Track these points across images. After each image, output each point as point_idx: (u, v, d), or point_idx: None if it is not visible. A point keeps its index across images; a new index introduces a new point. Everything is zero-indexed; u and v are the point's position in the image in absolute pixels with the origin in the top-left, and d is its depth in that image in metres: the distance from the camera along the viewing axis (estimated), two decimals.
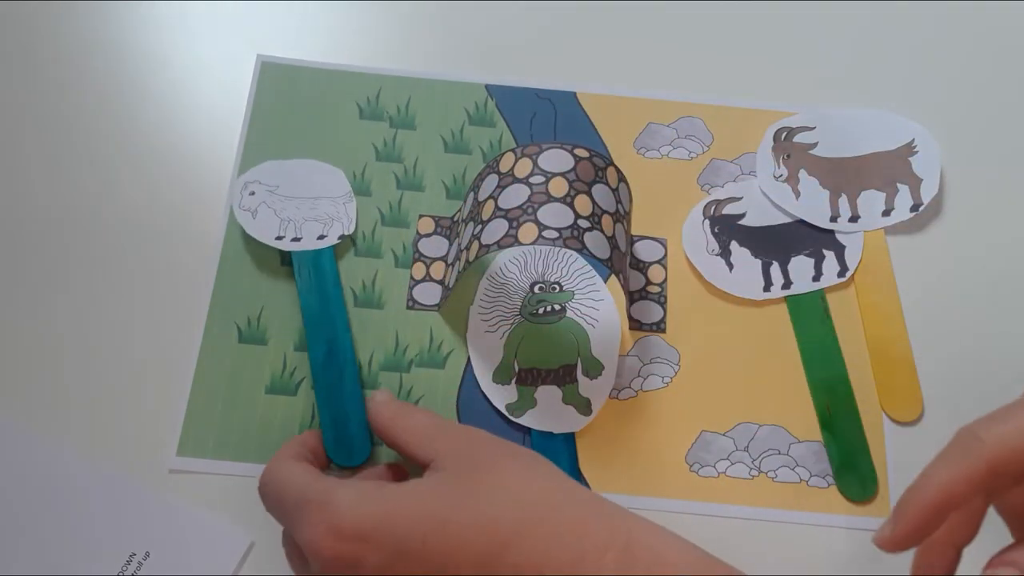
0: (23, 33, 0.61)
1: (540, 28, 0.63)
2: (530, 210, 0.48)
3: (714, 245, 0.55)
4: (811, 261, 0.55)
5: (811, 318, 0.53)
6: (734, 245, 0.55)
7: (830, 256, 0.55)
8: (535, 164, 0.50)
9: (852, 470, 0.50)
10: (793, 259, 0.55)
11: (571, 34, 0.63)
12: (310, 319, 0.52)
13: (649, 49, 0.62)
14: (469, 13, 0.63)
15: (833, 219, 0.56)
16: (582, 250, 0.48)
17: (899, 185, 0.57)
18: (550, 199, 0.48)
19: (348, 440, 0.50)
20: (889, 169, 0.58)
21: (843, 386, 0.52)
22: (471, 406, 0.52)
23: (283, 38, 0.61)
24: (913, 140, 0.58)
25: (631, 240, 0.54)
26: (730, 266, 0.55)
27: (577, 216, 0.48)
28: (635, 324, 0.54)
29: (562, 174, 0.49)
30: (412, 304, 0.54)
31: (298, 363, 0.52)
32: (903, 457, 0.51)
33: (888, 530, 0.39)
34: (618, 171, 0.51)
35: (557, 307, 0.54)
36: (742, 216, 0.56)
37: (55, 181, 0.56)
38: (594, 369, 0.52)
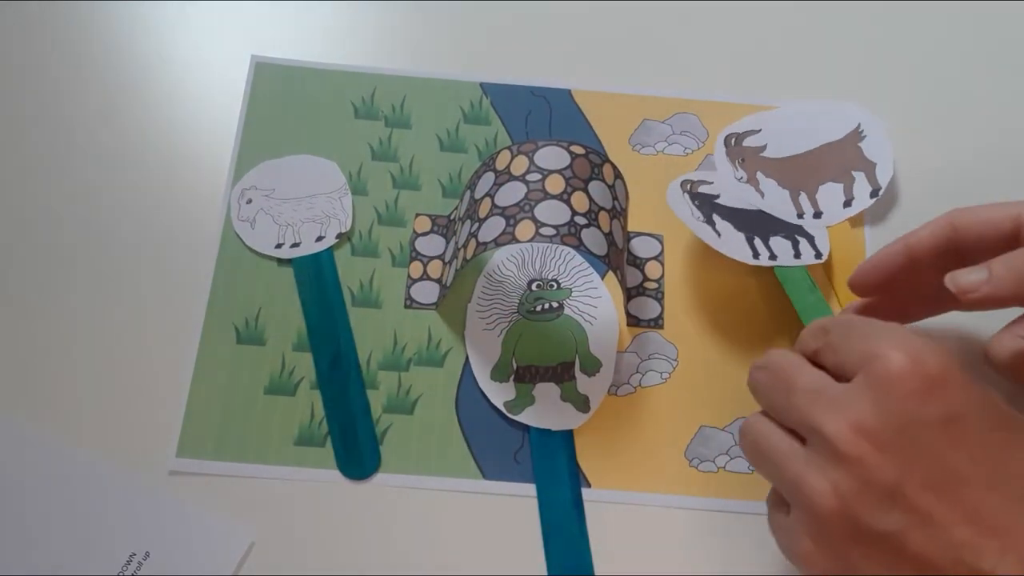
0: (17, 34, 0.60)
1: (534, 26, 0.63)
2: (527, 207, 0.48)
3: (698, 214, 0.54)
4: (788, 242, 0.54)
5: (800, 289, 0.52)
6: (716, 218, 0.54)
7: (803, 241, 0.55)
8: (531, 161, 0.50)
9: None
10: (772, 238, 0.54)
11: (565, 32, 0.63)
12: (313, 328, 0.53)
13: (644, 46, 0.62)
14: (463, 12, 0.63)
15: (799, 216, 0.56)
16: (579, 247, 0.48)
17: (854, 173, 0.57)
18: (547, 196, 0.48)
19: (358, 451, 0.50)
20: (841, 158, 0.57)
21: None
22: (470, 404, 0.52)
23: (277, 38, 0.61)
24: (859, 125, 0.58)
25: (628, 236, 0.54)
26: (717, 233, 0.54)
27: (574, 213, 0.48)
28: (633, 320, 0.54)
29: (558, 171, 0.49)
30: (410, 303, 0.54)
31: (297, 363, 0.52)
32: None
33: (856, 272, 0.48)
34: (614, 168, 0.52)
35: (555, 304, 0.54)
36: (717, 196, 0.55)
37: (53, 181, 0.56)
38: (592, 366, 0.52)
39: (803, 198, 0.56)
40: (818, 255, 0.54)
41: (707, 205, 0.55)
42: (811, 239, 0.55)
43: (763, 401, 0.42)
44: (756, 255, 0.53)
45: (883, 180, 0.57)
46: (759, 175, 0.57)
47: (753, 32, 0.63)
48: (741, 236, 0.54)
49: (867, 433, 0.36)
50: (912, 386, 0.36)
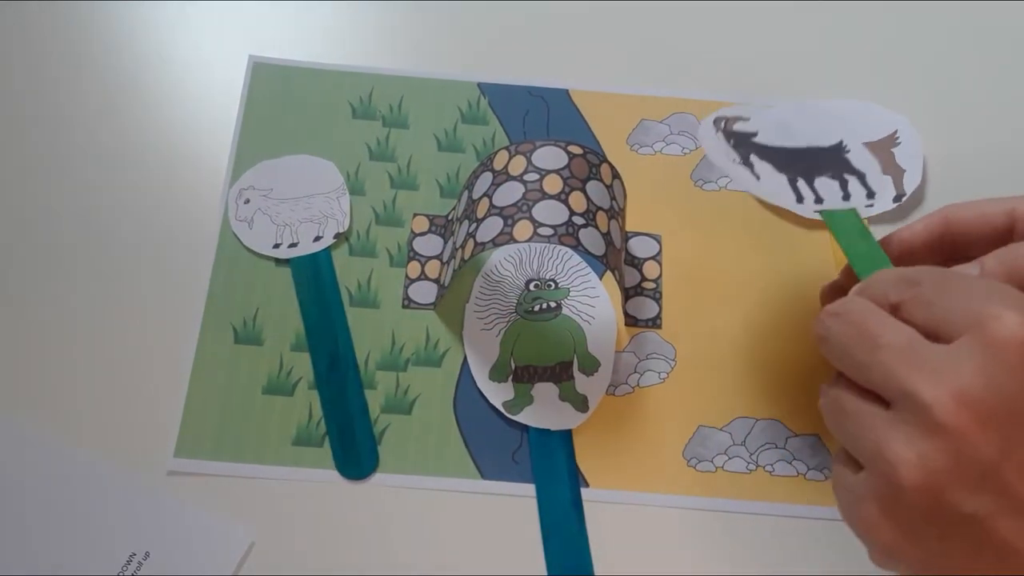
0: (16, 34, 0.60)
1: (532, 26, 0.63)
2: (525, 207, 0.48)
3: (734, 155, 0.50)
4: (835, 183, 0.50)
5: (852, 233, 0.46)
6: (754, 159, 0.50)
7: (853, 181, 0.51)
8: (529, 162, 0.50)
9: None
10: (817, 179, 0.50)
11: (563, 32, 0.63)
12: (311, 329, 0.53)
13: (641, 46, 0.62)
14: (461, 11, 0.63)
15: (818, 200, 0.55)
16: (577, 247, 0.48)
17: (883, 176, 0.57)
18: (544, 196, 0.48)
19: (355, 451, 0.50)
20: (874, 159, 0.58)
21: None
22: (468, 404, 0.52)
23: (275, 38, 0.61)
24: (896, 131, 0.59)
25: (626, 236, 0.54)
26: (756, 176, 0.50)
27: (572, 213, 0.48)
28: (631, 320, 0.54)
29: (556, 171, 0.49)
30: (408, 303, 0.54)
31: (295, 363, 0.52)
32: None
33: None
34: (612, 168, 0.52)
35: (553, 304, 0.54)
36: (755, 134, 0.51)
37: (51, 181, 0.56)
38: (590, 366, 0.52)
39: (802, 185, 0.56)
40: (870, 195, 0.50)
41: (744, 145, 0.50)
42: (862, 177, 0.51)
43: (837, 354, 0.37)
44: (800, 199, 0.49)
45: (909, 187, 0.57)
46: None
47: (751, 32, 0.63)
48: (783, 178, 0.50)
49: (971, 404, 0.32)
50: None
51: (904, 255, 0.45)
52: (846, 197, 0.50)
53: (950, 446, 0.32)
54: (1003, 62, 0.63)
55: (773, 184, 0.49)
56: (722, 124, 0.50)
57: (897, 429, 0.33)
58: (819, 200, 0.49)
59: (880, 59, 0.63)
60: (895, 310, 0.36)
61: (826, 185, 0.50)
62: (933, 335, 0.35)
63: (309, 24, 0.62)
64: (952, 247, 0.45)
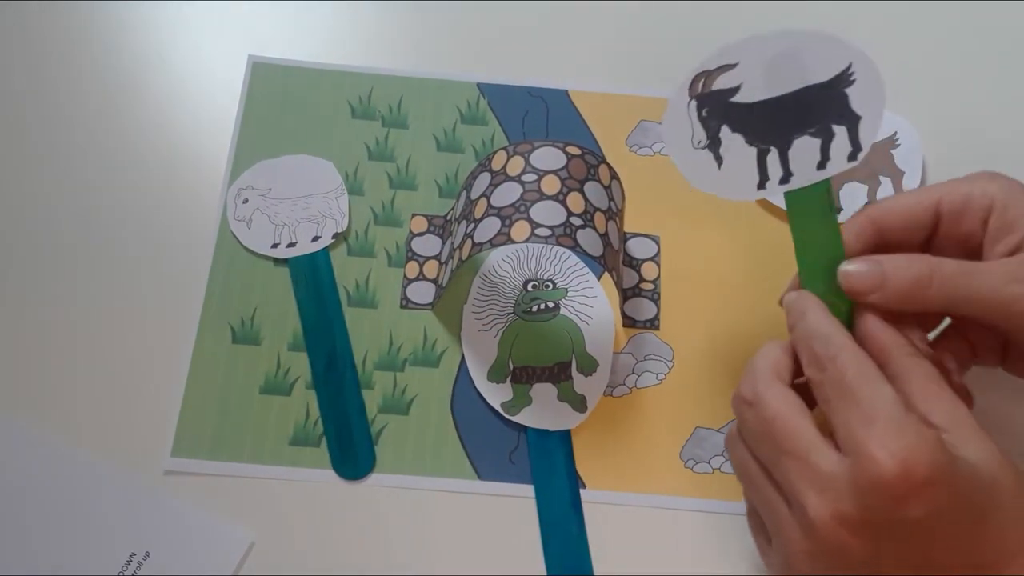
0: (16, 34, 0.60)
1: (531, 26, 0.63)
2: (522, 208, 0.48)
3: (700, 135, 0.46)
4: (817, 142, 0.46)
5: (813, 214, 0.45)
6: (725, 132, 0.46)
7: (840, 133, 0.46)
8: (527, 162, 0.50)
9: None
10: (795, 142, 0.46)
11: (563, 32, 0.63)
12: (309, 329, 0.53)
13: (641, 47, 0.62)
14: (461, 12, 0.63)
15: None
16: (575, 248, 0.48)
17: (881, 178, 0.57)
18: (542, 197, 0.48)
19: (353, 452, 0.50)
20: (871, 162, 0.58)
21: (842, 304, 0.45)
22: (466, 405, 0.52)
23: (275, 38, 0.61)
24: (895, 133, 0.59)
25: (624, 237, 0.54)
26: (719, 160, 0.46)
27: (570, 214, 0.48)
28: (628, 321, 0.54)
29: (554, 172, 0.49)
30: (406, 303, 0.54)
31: (292, 363, 0.52)
32: None
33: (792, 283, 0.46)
34: (610, 168, 0.52)
35: (551, 305, 0.54)
36: (736, 90, 0.46)
37: (50, 181, 0.56)
38: (588, 366, 0.52)
39: None
40: (854, 153, 0.46)
41: (717, 113, 0.46)
42: (854, 121, 0.45)
43: (749, 442, 0.42)
44: (764, 181, 0.46)
45: (909, 188, 0.57)
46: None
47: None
48: (752, 154, 0.46)
49: (847, 523, 0.38)
50: (899, 492, 0.37)
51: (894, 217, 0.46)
52: (823, 163, 0.46)
53: (831, 548, 0.38)
54: (1002, 62, 0.63)
55: (736, 168, 0.46)
56: (700, 85, 0.46)
57: (792, 526, 0.39)
58: (786, 178, 0.46)
59: (878, 60, 0.63)
60: (808, 382, 0.42)
61: (803, 149, 0.46)
62: (828, 431, 0.40)
63: (308, 24, 0.62)
64: (887, 247, 0.45)
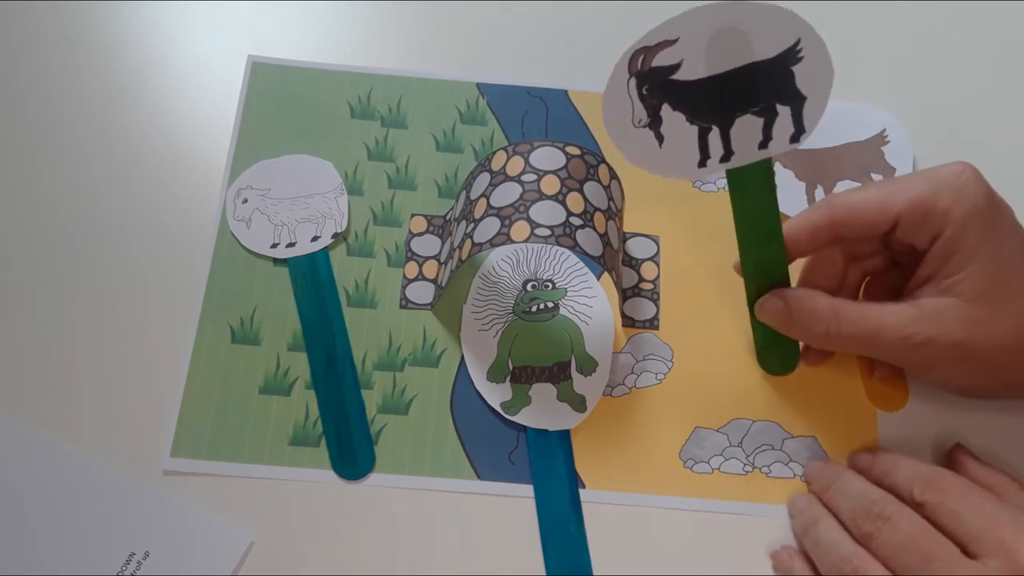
0: (16, 34, 0.60)
1: (531, 26, 0.63)
2: (522, 208, 0.48)
3: (641, 113, 0.44)
4: (759, 122, 0.44)
5: (753, 191, 0.46)
6: (665, 110, 0.44)
7: (784, 113, 0.44)
8: (527, 162, 0.50)
9: (775, 348, 0.51)
10: (737, 120, 0.44)
11: (562, 32, 0.63)
12: (308, 329, 0.53)
13: None
14: (460, 12, 0.63)
15: None
16: (574, 247, 0.48)
17: (873, 175, 0.57)
18: (542, 197, 0.48)
19: (352, 452, 0.50)
20: (862, 159, 0.58)
21: (778, 268, 0.49)
22: (465, 404, 0.52)
23: (274, 38, 0.61)
24: (885, 130, 0.59)
25: (623, 237, 0.54)
26: (660, 139, 0.45)
27: (569, 214, 0.48)
28: (628, 321, 0.54)
29: (554, 172, 0.49)
30: (405, 303, 0.54)
31: (292, 363, 0.52)
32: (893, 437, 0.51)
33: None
34: (610, 168, 0.52)
35: (550, 304, 0.54)
36: (677, 67, 0.44)
37: (50, 180, 0.56)
38: (588, 366, 0.52)
39: (819, 192, 0.57)
40: (796, 135, 0.44)
41: (658, 91, 0.44)
42: (799, 103, 0.44)
43: (893, 549, 0.43)
44: (705, 160, 0.45)
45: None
46: (776, 165, 0.56)
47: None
48: (693, 132, 0.45)
49: None
50: None
51: (789, 242, 0.48)
52: (765, 142, 0.45)
53: None
54: (989, 58, 0.63)
55: (677, 147, 0.45)
56: (640, 61, 0.44)
57: None
58: (728, 156, 0.45)
59: (867, 58, 0.63)
60: (919, 507, 0.43)
61: (746, 128, 0.45)
62: (961, 544, 0.41)
63: (308, 24, 0.62)
64: (838, 241, 0.49)
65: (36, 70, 0.59)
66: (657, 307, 0.54)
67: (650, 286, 0.55)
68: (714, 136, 0.45)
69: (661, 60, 0.44)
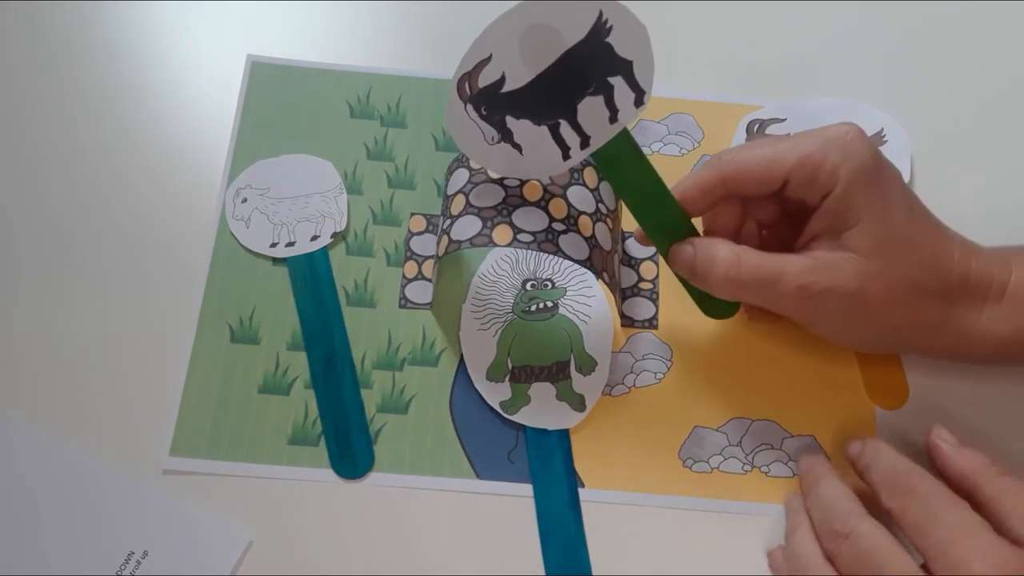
0: (16, 34, 0.60)
1: None
2: (505, 212, 0.48)
3: (490, 132, 0.46)
4: (600, 99, 0.45)
5: (625, 163, 0.47)
6: (511, 121, 0.45)
7: (619, 83, 0.45)
8: None
9: (714, 298, 0.50)
10: (579, 106, 0.45)
11: None
12: (308, 328, 0.53)
13: None
14: (459, 11, 0.63)
15: None
16: (557, 253, 0.48)
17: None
18: (524, 203, 0.48)
19: (351, 451, 0.50)
20: None
21: (682, 224, 0.49)
22: (465, 404, 0.52)
23: (274, 38, 0.61)
24: (882, 130, 0.59)
25: (620, 237, 0.54)
26: (518, 147, 0.46)
27: (552, 220, 0.48)
28: (627, 321, 0.54)
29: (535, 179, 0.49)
30: (404, 303, 0.54)
31: (291, 363, 0.52)
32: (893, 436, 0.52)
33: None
34: (597, 171, 0.51)
35: (549, 304, 0.54)
36: (502, 80, 0.45)
37: (49, 180, 0.56)
38: (587, 365, 0.52)
39: None
40: (639, 98, 0.45)
41: (494, 108, 0.45)
42: (627, 70, 0.44)
43: (845, 572, 0.43)
44: (567, 152, 0.46)
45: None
46: None
47: (750, 33, 0.63)
48: (544, 132, 0.46)
49: None
50: None
51: (682, 202, 0.48)
52: (614, 116, 0.45)
53: None
54: (985, 58, 0.63)
55: (537, 150, 0.46)
56: (467, 87, 0.45)
57: None
58: (586, 141, 0.46)
59: (865, 58, 0.63)
60: (887, 513, 0.43)
61: (591, 110, 0.45)
62: (923, 555, 0.42)
63: (307, 24, 0.62)
64: (730, 197, 0.49)
65: (36, 70, 0.59)
66: (656, 306, 0.54)
67: (649, 285, 0.55)
68: (566, 128, 0.46)
69: (485, 79, 0.45)
